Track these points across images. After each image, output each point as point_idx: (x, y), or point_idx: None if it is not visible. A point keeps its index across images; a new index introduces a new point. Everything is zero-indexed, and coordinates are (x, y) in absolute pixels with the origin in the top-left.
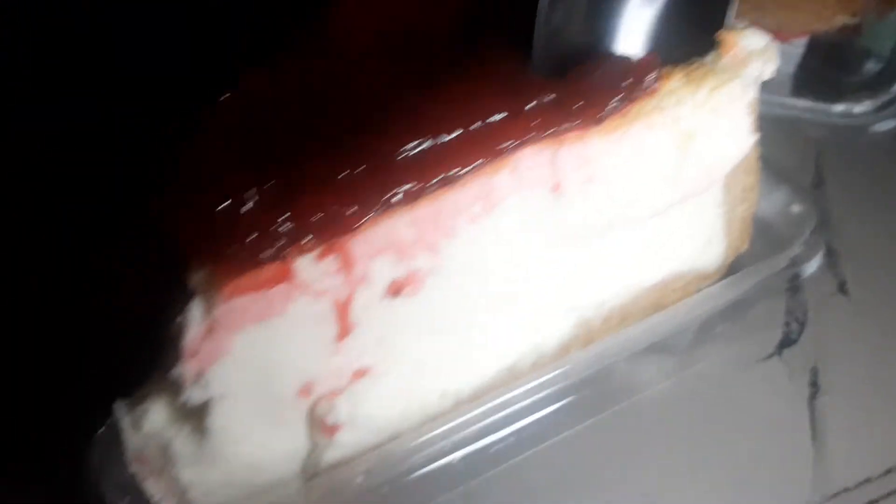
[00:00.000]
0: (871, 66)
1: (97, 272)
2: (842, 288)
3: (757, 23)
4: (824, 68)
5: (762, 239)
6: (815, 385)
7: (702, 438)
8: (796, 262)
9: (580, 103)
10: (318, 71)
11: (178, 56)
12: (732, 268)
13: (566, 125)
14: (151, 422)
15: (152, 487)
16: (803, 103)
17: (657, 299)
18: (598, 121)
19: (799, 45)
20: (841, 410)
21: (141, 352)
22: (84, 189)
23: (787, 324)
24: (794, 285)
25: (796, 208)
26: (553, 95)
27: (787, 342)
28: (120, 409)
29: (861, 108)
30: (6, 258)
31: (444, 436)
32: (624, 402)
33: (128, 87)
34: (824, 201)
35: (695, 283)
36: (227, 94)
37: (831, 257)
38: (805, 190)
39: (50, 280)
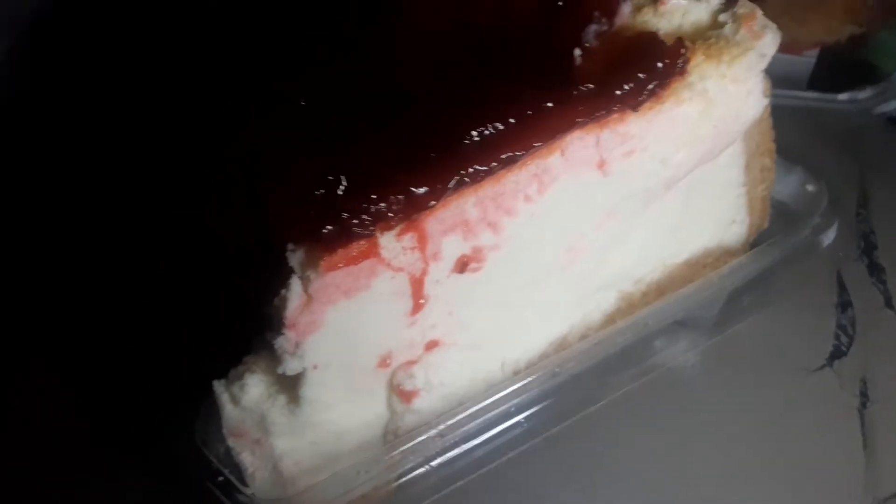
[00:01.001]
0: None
1: (202, 256)
2: (889, 303)
3: None
4: (835, 75)
5: (780, 218)
6: (864, 395)
7: (758, 443)
8: (814, 233)
9: (620, 90)
10: (393, 65)
11: (265, 53)
12: (755, 245)
13: (608, 111)
14: (249, 395)
15: (248, 459)
16: (812, 94)
17: (689, 274)
18: (636, 105)
19: (811, 56)
20: (890, 419)
21: (242, 328)
22: (187, 177)
23: (838, 336)
24: (844, 301)
25: (810, 187)
26: (595, 85)
27: (837, 354)
28: (219, 387)
29: (864, 94)
30: (115, 241)
31: (508, 399)
32: (660, 381)
33: (222, 82)
34: (870, 218)
35: (722, 259)
36: (315, 88)
37: (878, 273)
38: (817, 170)
39: (160, 265)
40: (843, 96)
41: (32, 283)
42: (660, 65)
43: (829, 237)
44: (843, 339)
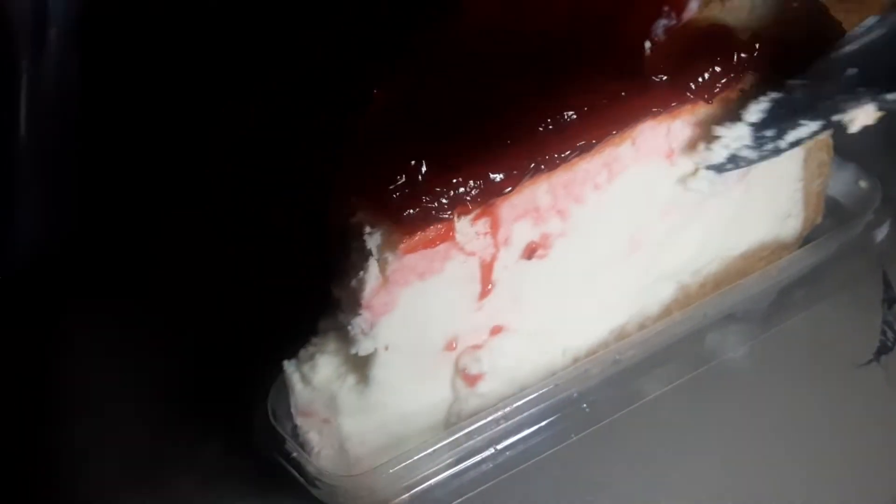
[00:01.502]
0: None
1: (276, 240)
2: None
3: None
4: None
5: (833, 214)
6: None
7: (806, 436)
8: (868, 229)
9: (695, 82)
10: (467, 58)
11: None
12: (808, 240)
13: (681, 102)
14: (320, 376)
15: (315, 439)
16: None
17: (745, 267)
18: (711, 97)
19: None
20: None
21: (311, 310)
22: (261, 160)
23: (884, 332)
24: (890, 297)
25: (863, 184)
26: (668, 76)
27: (884, 349)
28: (289, 367)
29: None
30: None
31: (570, 385)
32: (712, 372)
33: (310, 79)
34: None
35: (777, 252)
36: (391, 81)
37: None
38: (871, 167)
39: (240, 247)
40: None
41: (119, 259)
42: (735, 58)
43: (881, 233)
44: (890, 335)
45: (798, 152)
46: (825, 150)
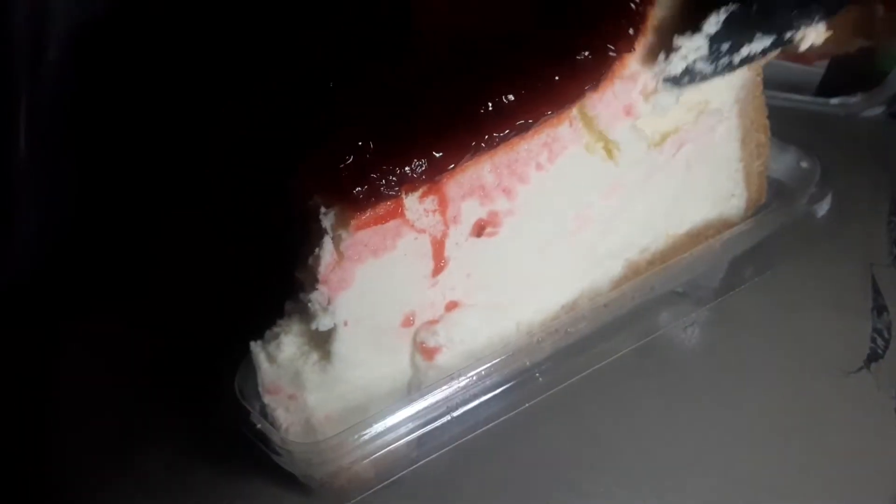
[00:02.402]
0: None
1: (242, 227)
2: None
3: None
4: (844, 86)
5: (778, 196)
6: None
7: (797, 443)
8: (811, 202)
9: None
10: (416, 46)
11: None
12: None
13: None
14: (285, 354)
15: (281, 416)
16: (806, 97)
17: (692, 246)
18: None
19: (821, 67)
20: None
21: (276, 292)
22: (225, 148)
23: (874, 340)
24: (879, 305)
25: (804, 164)
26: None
27: (874, 357)
28: (255, 347)
29: (855, 99)
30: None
31: (520, 356)
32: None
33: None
34: None
35: (723, 230)
36: (342, 66)
37: None
38: (812, 150)
39: (204, 234)
40: (835, 101)
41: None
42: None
43: (823, 207)
44: (880, 342)
45: (735, 132)
46: (762, 131)
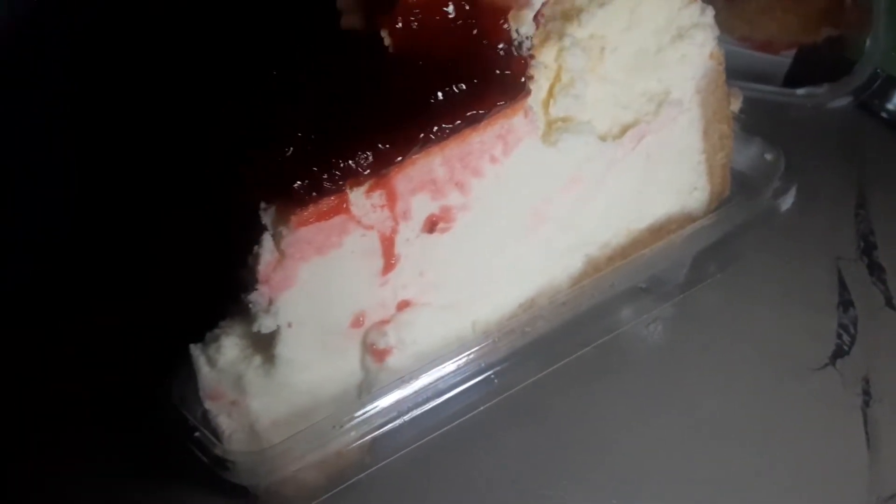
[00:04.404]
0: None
1: (178, 221)
2: (889, 302)
3: (749, 37)
4: (811, 76)
5: (742, 188)
6: (867, 393)
7: (762, 442)
8: (774, 196)
9: None
10: (364, 52)
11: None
12: None
13: None
14: (225, 357)
15: (225, 422)
16: (771, 87)
17: (654, 241)
18: None
19: (788, 56)
20: (893, 417)
21: (219, 292)
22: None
23: (840, 336)
24: (845, 300)
25: (768, 156)
26: None
27: (839, 353)
28: (195, 350)
29: (821, 90)
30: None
31: (478, 356)
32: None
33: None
34: (869, 218)
35: (685, 225)
36: (285, 68)
37: (878, 273)
38: (774, 140)
39: (138, 233)
40: (801, 91)
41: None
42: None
43: (787, 201)
44: (846, 338)
45: (696, 123)
46: (725, 122)
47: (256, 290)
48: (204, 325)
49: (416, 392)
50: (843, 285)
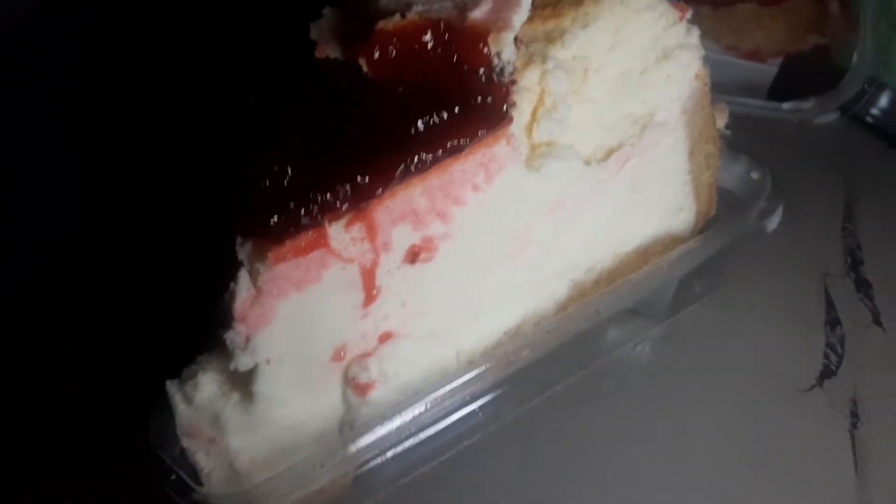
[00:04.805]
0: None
1: (158, 254)
2: (877, 320)
3: (735, 45)
4: (798, 85)
5: (728, 207)
6: (855, 415)
7: (749, 463)
8: (760, 218)
9: None
10: (341, 82)
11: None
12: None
13: None
14: (202, 394)
15: (203, 460)
16: (757, 101)
17: (640, 263)
18: None
19: (774, 65)
20: (881, 439)
21: (191, 330)
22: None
23: (827, 356)
24: (832, 318)
25: (755, 175)
26: None
27: (827, 373)
28: (171, 387)
29: (808, 104)
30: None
31: (462, 388)
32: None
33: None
34: (855, 233)
35: (672, 246)
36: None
37: (865, 289)
38: (760, 157)
39: (117, 262)
40: (787, 105)
41: None
42: None
43: (773, 222)
44: (833, 357)
45: (682, 144)
46: (712, 141)
47: (233, 328)
48: (181, 360)
49: (399, 428)
50: (829, 303)
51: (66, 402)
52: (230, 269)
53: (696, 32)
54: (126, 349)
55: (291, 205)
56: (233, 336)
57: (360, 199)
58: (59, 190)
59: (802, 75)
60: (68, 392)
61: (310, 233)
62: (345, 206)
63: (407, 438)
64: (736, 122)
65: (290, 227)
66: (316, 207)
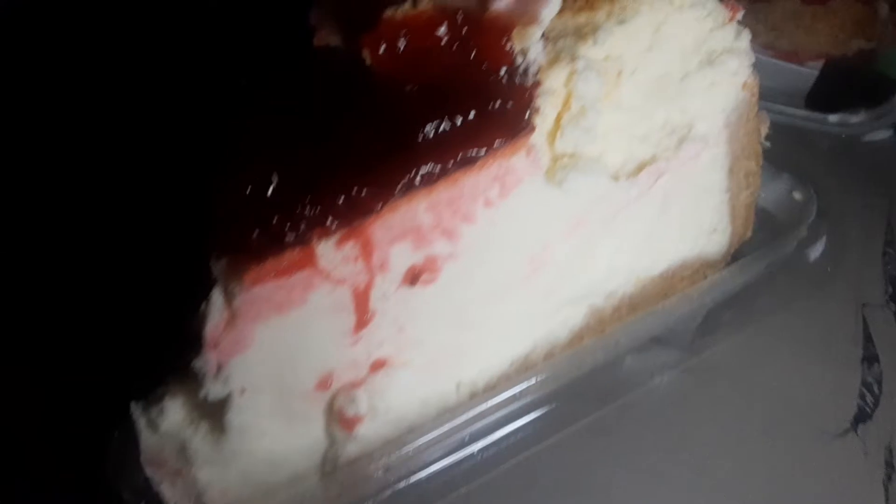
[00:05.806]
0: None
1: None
2: None
3: (772, 44)
4: (840, 90)
5: (765, 228)
6: (890, 465)
7: None
8: (801, 247)
9: None
10: (341, 76)
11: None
12: (736, 257)
13: None
14: (169, 421)
15: (168, 491)
16: (802, 112)
17: (665, 288)
18: None
19: (814, 68)
20: None
21: (160, 346)
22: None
23: (863, 396)
24: (870, 354)
25: (798, 195)
26: None
27: (862, 417)
28: (136, 410)
29: (857, 118)
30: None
31: (460, 427)
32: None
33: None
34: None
35: (701, 271)
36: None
37: None
38: (805, 178)
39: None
40: (833, 118)
41: None
42: None
43: (816, 251)
44: (869, 399)
45: (722, 161)
46: (753, 159)
47: (203, 355)
48: (149, 380)
49: (387, 472)
50: (867, 336)
51: (19, 422)
52: (203, 288)
53: (746, 36)
54: (88, 363)
55: (275, 218)
56: (202, 364)
57: (356, 215)
58: (22, 190)
59: (845, 82)
60: (21, 411)
61: (295, 250)
62: (337, 223)
63: (397, 482)
64: (776, 132)
65: (272, 244)
66: (303, 223)
